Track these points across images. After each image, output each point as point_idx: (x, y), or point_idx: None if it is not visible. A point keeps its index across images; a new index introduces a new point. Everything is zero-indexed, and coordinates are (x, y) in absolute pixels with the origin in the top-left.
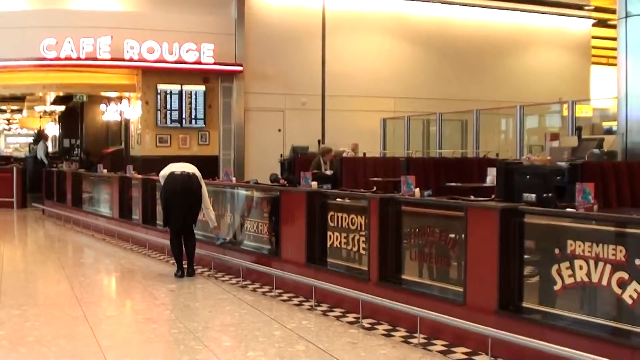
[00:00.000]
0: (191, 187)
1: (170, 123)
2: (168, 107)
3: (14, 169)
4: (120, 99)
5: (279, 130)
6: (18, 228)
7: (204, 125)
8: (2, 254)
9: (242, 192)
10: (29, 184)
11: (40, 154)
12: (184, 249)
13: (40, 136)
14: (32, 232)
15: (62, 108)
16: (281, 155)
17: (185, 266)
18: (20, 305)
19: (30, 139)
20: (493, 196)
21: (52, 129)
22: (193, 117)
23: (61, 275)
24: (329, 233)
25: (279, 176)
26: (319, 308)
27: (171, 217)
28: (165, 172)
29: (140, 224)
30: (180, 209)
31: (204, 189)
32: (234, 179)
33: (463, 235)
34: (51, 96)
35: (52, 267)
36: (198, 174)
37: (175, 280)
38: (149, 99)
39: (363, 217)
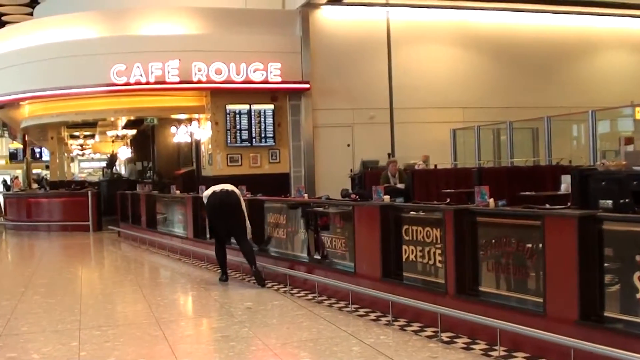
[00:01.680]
0: (230, 201)
1: (241, 142)
2: (237, 126)
3: (89, 193)
4: (190, 120)
5: (348, 146)
6: (95, 251)
7: (274, 144)
8: (80, 276)
9: (315, 208)
10: (103, 207)
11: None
12: (243, 256)
13: (113, 160)
14: (109, 254)
15: (133, 132)
16: (351, 170)
17: (226, 272)
18: (100, 326)
19: (103, 163)
20: (569, 204)
21: (125, 153)
22: (263, 135)
23: (139, 295)
24: (404, 247)
25: (350, 191)
26: (396, 323)
27: (215, 229)
28: (207, 192)
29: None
30: (222, 220)
31: (243, 205)
32: (306, 195)
33: (540, 245)
34: (122, 121)
35: (130, 287)
36: (237, 191)
37: (252, 298)
38: (218, 120)
39: (438, 230)
